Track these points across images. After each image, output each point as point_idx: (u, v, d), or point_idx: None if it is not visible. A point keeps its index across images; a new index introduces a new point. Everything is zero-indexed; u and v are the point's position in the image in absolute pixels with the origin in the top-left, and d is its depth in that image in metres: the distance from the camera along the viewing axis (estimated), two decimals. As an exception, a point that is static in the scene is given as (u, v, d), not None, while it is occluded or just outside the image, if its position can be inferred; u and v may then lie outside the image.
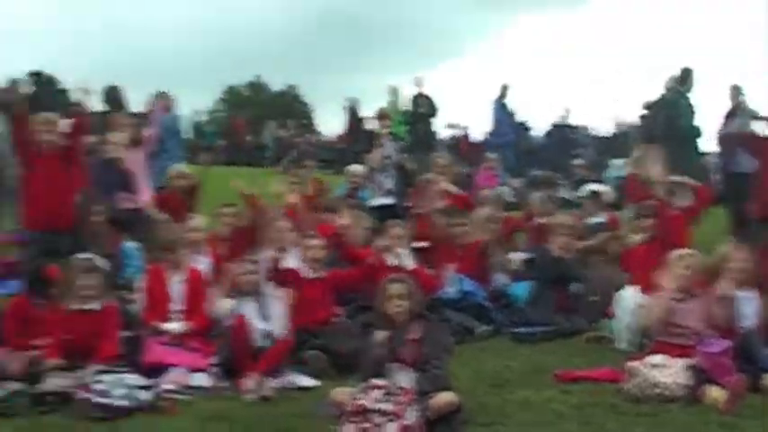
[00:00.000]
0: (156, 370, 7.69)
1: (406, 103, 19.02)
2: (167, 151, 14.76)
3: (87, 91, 10.32)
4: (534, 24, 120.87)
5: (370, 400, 6.11)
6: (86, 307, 7.97)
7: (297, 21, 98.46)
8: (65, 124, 9.97)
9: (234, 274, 8.58)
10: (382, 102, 18.62)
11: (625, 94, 61.46)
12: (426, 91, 19.28)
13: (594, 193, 13.16)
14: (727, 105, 14.78)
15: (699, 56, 79.55)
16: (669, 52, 72.75)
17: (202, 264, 9.23)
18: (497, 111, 22.08)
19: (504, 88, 22.07)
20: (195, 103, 60.37)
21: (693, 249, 8.37)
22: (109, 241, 9.83)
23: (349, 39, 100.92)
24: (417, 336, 6.59)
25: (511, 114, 22.84)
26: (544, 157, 23.10)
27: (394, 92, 18.92)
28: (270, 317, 8.27)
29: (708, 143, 16.26)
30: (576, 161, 21.33)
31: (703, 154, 16.89)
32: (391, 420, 5.99)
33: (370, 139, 13.68)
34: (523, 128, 24.77)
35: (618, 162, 19.33)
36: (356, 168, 13.52)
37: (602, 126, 27.44)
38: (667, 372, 7.20)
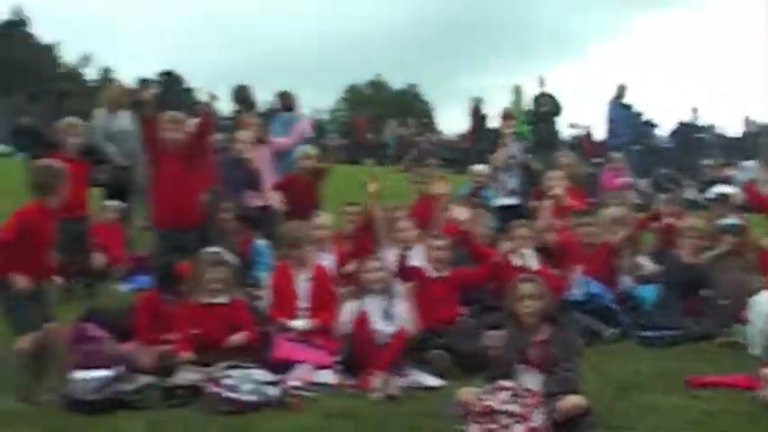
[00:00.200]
0: (282, 366, 7.76)
1: (528, 102, 18.85)
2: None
3: (214, 96, 10.51)
4: (657, 23, 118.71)
5: (497, 401, 6.06)
6: (214, 300, 8.12)
7: (418, 20, 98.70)
8: (191, 123, 10.16)
9: (359, 271, 8.62)
10: (503, 101, 18.50)
11: (754, 93, 59.75)
12: (549, 90, 19.12)
13: (723, 196, 12.81)
14: None
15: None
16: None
17: (328, 261, 9.29)
18: (613, 111, 21.70)
19: (622, 88, 21.69)
20: (317, 102, 61.08)
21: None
22: (238, 239, 10.00)
23: (470, 38, 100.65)
24: (546, 337, 6.50)
25: (634, 114, 22.45)
26: (669, 156, 22.68)
27: (517, 91, 18.72)
28: (395, 315, 8.30)
29: None
30: (705, 161, 20.86)
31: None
32: (518, 422, 5.93)
33: (494, 138, 13.56)
34: (650, 125, 24.28)
35: (748, 164, 18.83)
36: (480, 168, 13.43)
37: (730, 126, 26.81)
38: (805, 380, 6.97)
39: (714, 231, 10.42)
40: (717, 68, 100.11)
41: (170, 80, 18.79)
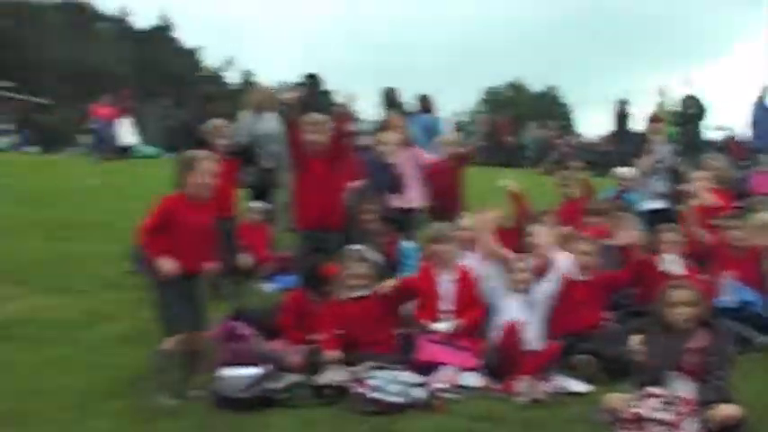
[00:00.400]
0: (426, 368, 7.77)
1: (674, 103, 18.46)
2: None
3: (352, 97, 10.58)
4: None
5: (647, 408, 5.96)
6: (356, 295, 8.18)
7: (557, 20, 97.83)
8: (331, 125, 10.23)
9: (505, 272, 8.58)
10: (646, 102, 18.20)
11: None
12: (695, 91, 18.71)
13: None
14: None
15: None
16: None
17: (472, 262, 9.25)
18: (757, 112, 21.03)
19: (766, 89, 21.01)
20: (457, 104, 61.22)
21: None
22: (383, 240, 10.06)
23: (610, 37, 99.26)
24: (702, 344, 6.34)
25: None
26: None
27: (663, 93, 18.36)
28: (539, 317, 8.26)
29: None
30: None
31: None
32: (668, 431, 5.81)
33: (638, 140, 13.31)
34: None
35: None
36: (625, 171, 13.21)
37: None
38: None
39: None
40: None
41: (313, 82, 18.92)
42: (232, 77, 67.92)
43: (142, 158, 29.13)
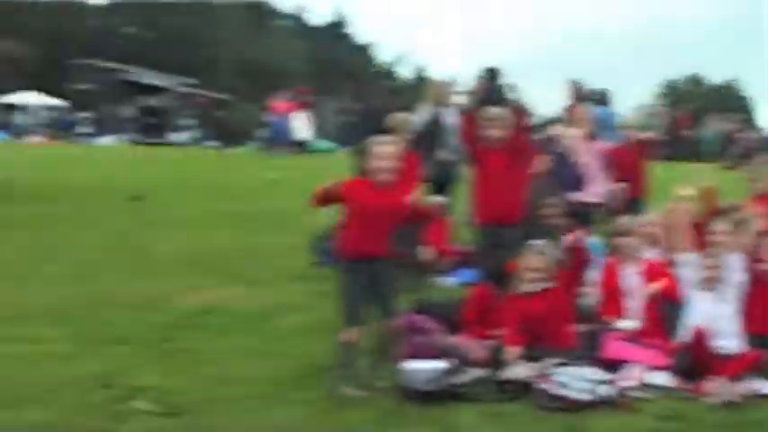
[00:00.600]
0: (611, 366, 7.63)
1: None
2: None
3: (513, 87, 10.45)
4: None
5: None
6: (533, 288, 8.13)
7: (738, 16, 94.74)
8: (511, 119, 10.13)
9: (696, 267, 8.37)
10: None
11: None
12: None
13: None
14: None
15: None
16: None
17: (658, 257, 9.04)
18: None
19: None
20: (633, 98, 60.07)
21: None
22: (567, 235, 9.93)
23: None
24: None
25: None
26: None
27: None
28: (732, 314, 8.05)
29: None
30: None
31: None
32: None
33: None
34: None
35: None
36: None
37: None
38: None
39: None
40: None
41: (493, 76, 18.76)
42: (404, 73, 68.46)
43: (317, 152, 29.70)
